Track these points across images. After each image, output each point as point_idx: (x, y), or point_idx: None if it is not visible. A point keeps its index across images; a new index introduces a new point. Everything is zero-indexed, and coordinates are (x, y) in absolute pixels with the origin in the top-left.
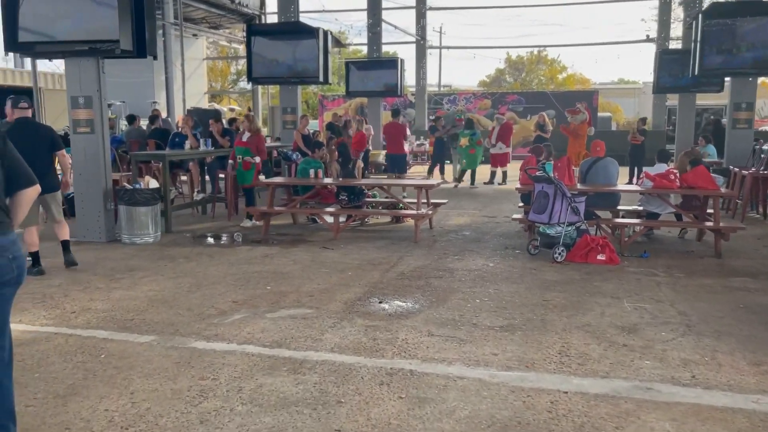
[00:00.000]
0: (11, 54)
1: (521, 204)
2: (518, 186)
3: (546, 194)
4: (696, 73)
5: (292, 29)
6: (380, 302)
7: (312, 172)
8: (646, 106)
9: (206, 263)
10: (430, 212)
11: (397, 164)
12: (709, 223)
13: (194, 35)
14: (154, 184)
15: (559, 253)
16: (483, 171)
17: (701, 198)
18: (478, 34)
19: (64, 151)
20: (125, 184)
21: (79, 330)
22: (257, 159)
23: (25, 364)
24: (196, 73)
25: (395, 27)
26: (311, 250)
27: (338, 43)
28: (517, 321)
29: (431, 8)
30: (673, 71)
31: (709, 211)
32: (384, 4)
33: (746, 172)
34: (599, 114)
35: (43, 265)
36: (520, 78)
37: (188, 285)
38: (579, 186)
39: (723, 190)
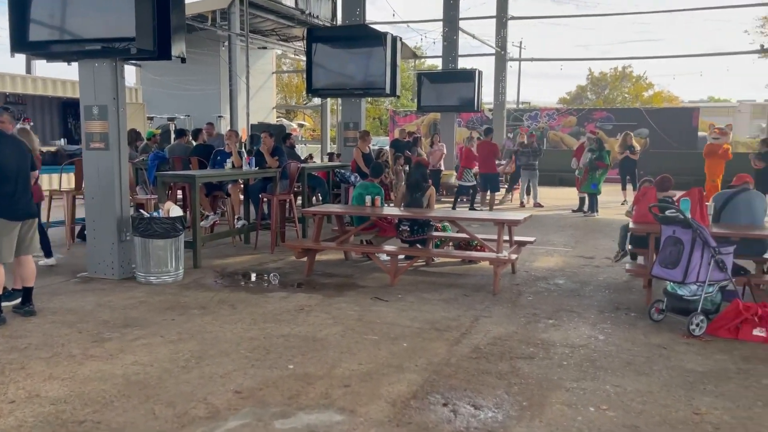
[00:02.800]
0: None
1: (630, 246)
2: (632, 225)
3: (678, 241)
4: None
5: (357, 34)
6: (445, 404)
7: (368, 198)
8: (741, 126)
9: (224, 318)
10: (514, 256)
11: (491, 183)
12: None
13: (263, 47)
14: (176, 211)
15: (698, 325)
16: (557, 195)
17: None
18: (559, 49)
19: (37, 172)
20: (141, 210)
21: None
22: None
23: None
24: (264, 87)
25: (473, 36)
26: (360, 302)
27: (411, 53)
28: None
29: (513, 17)
30: None
31: None
32: (462, 15)
33: None
34: (699, 134)
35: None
36: (603, 95)
37: (188, 355)
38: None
39: None
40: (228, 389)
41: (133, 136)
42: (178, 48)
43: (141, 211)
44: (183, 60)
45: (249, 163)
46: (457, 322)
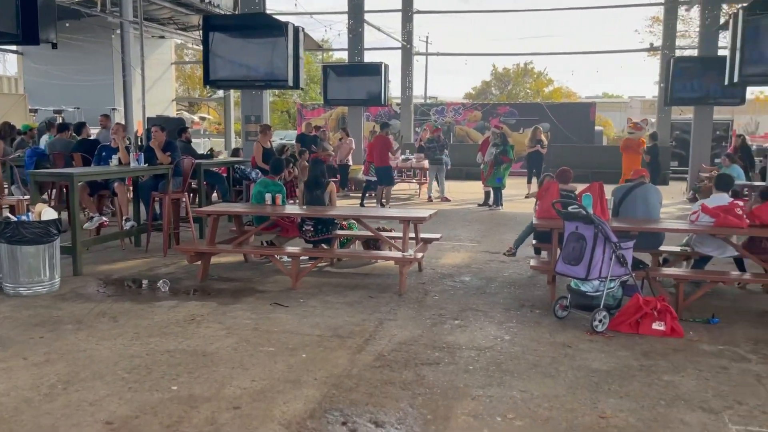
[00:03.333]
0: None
1: (535, 241)
2: (536, 221)
3: (581, 237)
4: (735, 80)
5: (257, 23)
6: (344, 423)
7: (269, 196)
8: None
9: (102, 333)
10: (420, 255)
11: (384, 176)
12: None
13: (161, 37)
14: (49, 213)
15: (600, 321)
16: (463, 189)
17: None
18: (464, 44)
19: None
20: (8, 214)
21: None
22: None
23: None
24: (163, 78)
25: (379, 29)
26: (257, 308)
27: (316, 45)
28: None
29: (418, 11)
30: (687, 81)
31: None
32: (367, 8)
33: None
34: (596, 128)
35: None
36: (507, 91)
37: (54, 380)
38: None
39: None
40: (97, 419)
41: (7, 129)
42: (47, 32)
43: (8, 214)
44: (54, 45)
45: (138, 160)
46: (360, 328)
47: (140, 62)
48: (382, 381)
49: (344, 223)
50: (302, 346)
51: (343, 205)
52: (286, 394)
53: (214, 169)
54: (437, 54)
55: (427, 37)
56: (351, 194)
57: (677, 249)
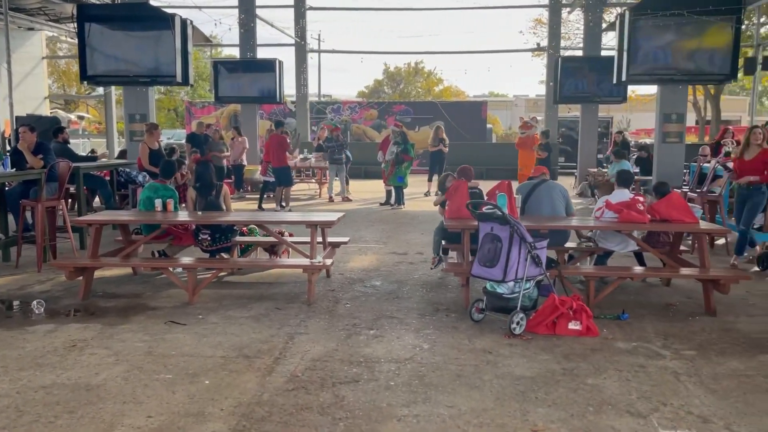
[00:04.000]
0: None
1: (444, 241)
2: (447, 222)
3: (497, 238)
4: (623, 79)
5: (140, 15)
6: None
7: (159, 202)
8: (516, 119)
9: None
10: (329, 261)
11: (283, 177)
12: (693, 270)
13: (30, 29)
14: None
15: (518, 323)
16: (363, 188)
17: (670, 233)
18: (357, 42)
19: None
20: None
21: None
22: None
23: None
24: (33, 74)
25: (272, 25)
26: (150, 328)
27: (205, 39)
28: None
29: (311, 8)
30: (574, 80)
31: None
32: (259, 3)
33: (692, 194)
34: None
35: None
36: (399, 89)
37: None
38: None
39: (708, 224)
40: None
41: None
42: None
43: None
44: None
45: (3, 164)
46: (269, 345)
47: (6, 56)
48: (298, 406)
49: (245, 228)
50: (204, 370)
51: (243, 209)
52: (188, 430)
53: (96, 172)
54: (331, 51)
55: (320, 35)
56: (247, 195)
57: (582, 245)
